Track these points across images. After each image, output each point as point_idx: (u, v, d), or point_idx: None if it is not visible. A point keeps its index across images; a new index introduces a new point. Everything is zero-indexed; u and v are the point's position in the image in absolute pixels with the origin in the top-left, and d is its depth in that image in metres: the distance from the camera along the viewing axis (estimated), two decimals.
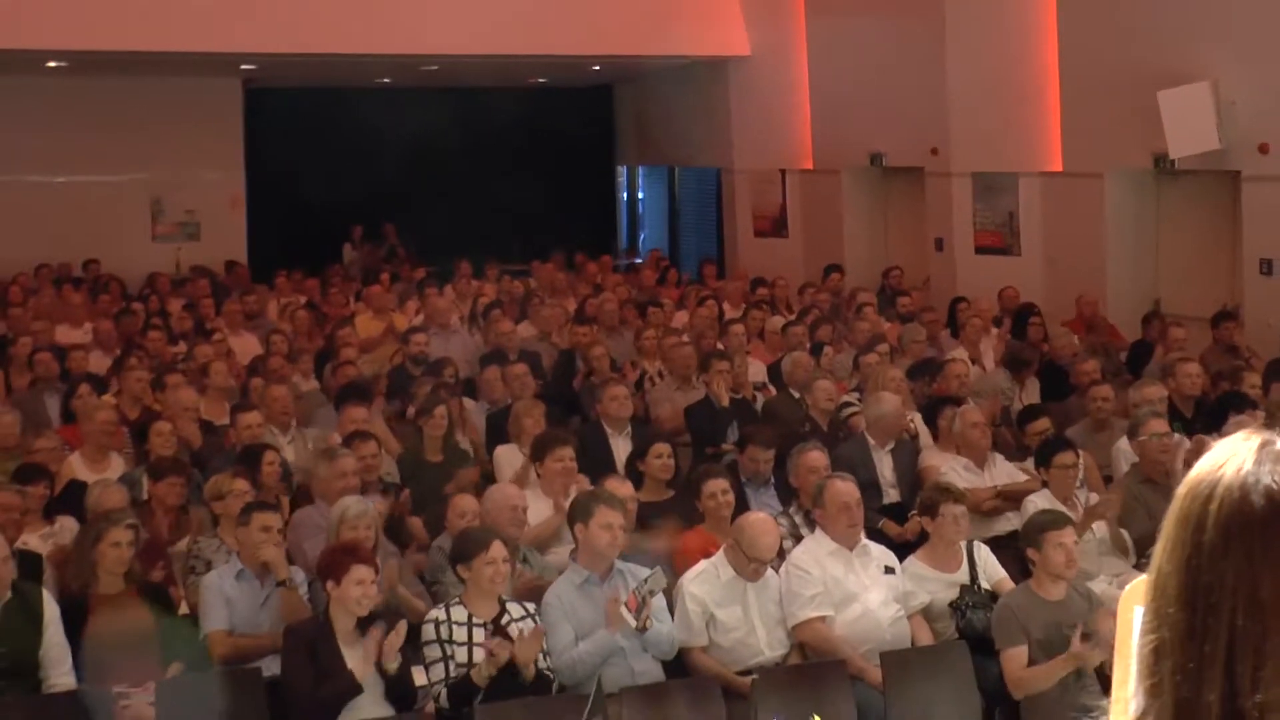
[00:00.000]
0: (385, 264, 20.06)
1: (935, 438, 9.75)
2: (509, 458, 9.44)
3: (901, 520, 8.70)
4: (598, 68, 21.44)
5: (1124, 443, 9.20)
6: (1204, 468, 1.44)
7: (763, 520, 7.17)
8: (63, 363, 12.04)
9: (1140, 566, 7.80)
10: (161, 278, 17.82)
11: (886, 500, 9.18)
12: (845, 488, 7.37)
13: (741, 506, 8.02)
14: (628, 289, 16.47)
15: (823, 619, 7.05)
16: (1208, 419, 9.71)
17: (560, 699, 6.30)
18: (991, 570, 7.50)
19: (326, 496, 7.97)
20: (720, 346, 12.18)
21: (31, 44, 16.66)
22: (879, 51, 17.31)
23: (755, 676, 6.58)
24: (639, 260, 22.10)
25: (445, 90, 22.37)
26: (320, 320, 14.92)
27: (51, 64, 18.61)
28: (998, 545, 7.93)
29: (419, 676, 6.49)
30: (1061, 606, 6.70)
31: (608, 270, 18.50)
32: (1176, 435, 9.11)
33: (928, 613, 7.33)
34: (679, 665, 6.91)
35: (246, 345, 13.67)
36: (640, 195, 24.69)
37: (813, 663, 6.88)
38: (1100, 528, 8.08)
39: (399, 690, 6.38)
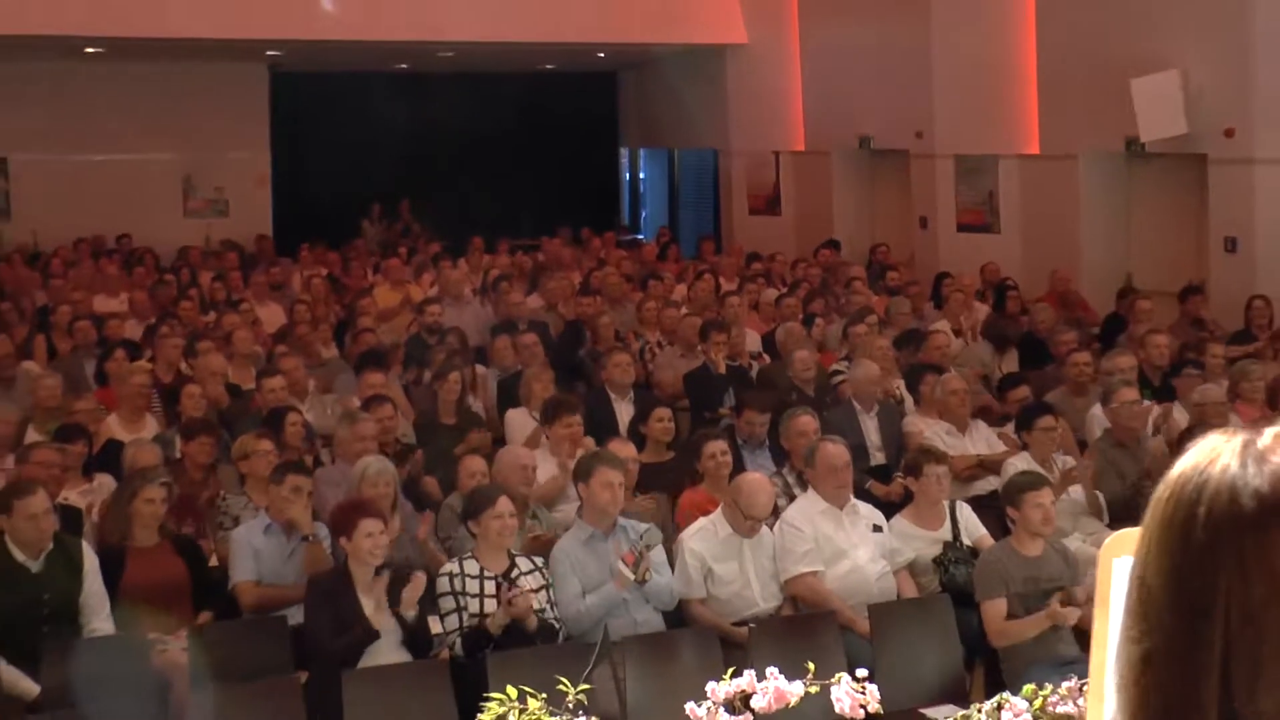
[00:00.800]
0: (401, 239, 20.00)
1: (918, 404, 9.73)
2: (519, 421, 9.42)
3: (887, 481, 8.71)
4: (602, 55, 21.35)
5: (1098, 409, 9.18)
6: (1186, 469, 1.29)
7: (758, 480, 7.14)
8: (100, 330, 12.02)
9: (1112, 525, 7.79)
10: (193, 251, 17.77)
11: (873, 462, 9.18)
12: (835, 450, 7.35)
13: (738, 467, 8.00)
14: (630, 263, 16.40)
15: (814, 573, 7.03)
16: (1175, 386, 9.76)
17: (567, 647, 6.27)
18: (973, 528, 7.48)
19: (347, 457, 7.95)
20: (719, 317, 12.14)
21: (72, 30, 16.60)
22: (868, 41, 17.25)
23: (752, 626, 6.55)
24: (640, 236, 22.04)
25: (459, 75, 22.25)
26: (340, 291, 14.88)
27: (90, 50, 18.55)
28: (979, 505, 7.91)
29: (435, 626, 6.48)
30: (1039, 562, 6.67)
31: (611, 246, 18.41)
32: (1146, 401, 9.15)
33: (913, 568, 7.31)
34: (679, 616, 6.90)
35: (272, 315, 13.65)
36: (642, 175, 24.58)
37: (805, 614, 6.85)
38: (1076, 489, 8.07)
39: (417, 638, 6.37)
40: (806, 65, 18.67)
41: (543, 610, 6.46)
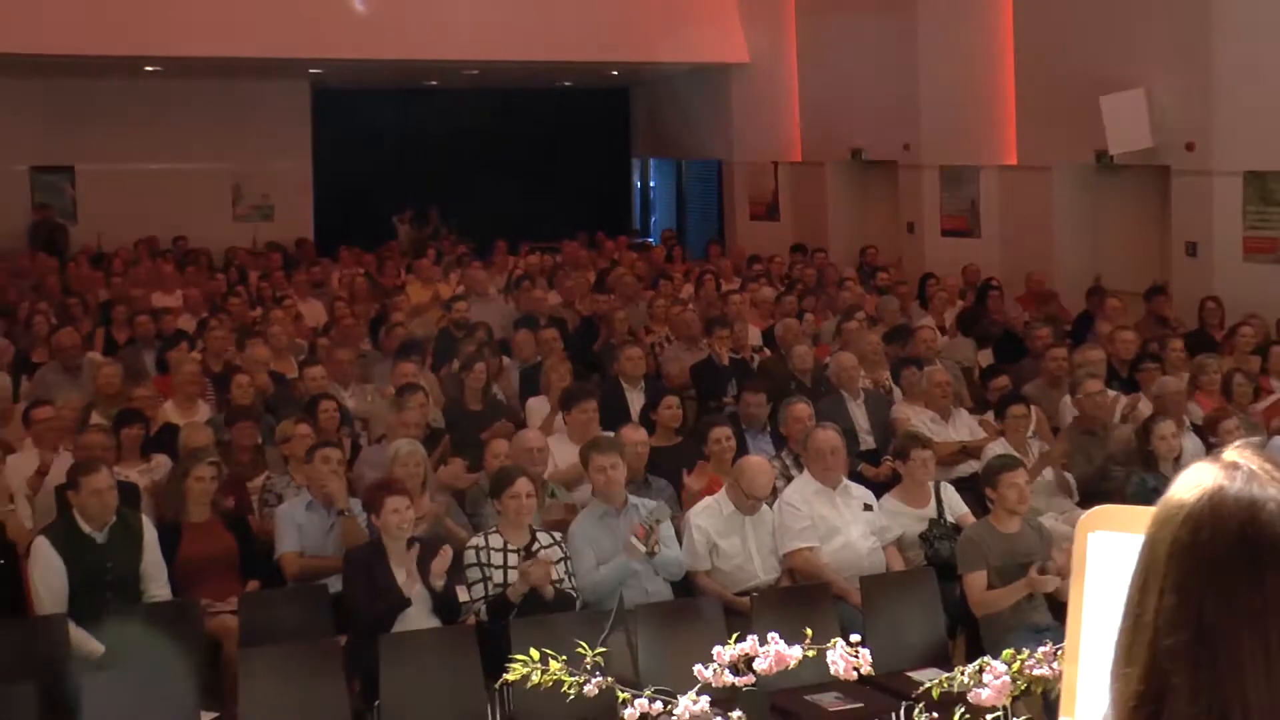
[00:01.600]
0: (431, 242, 19.98)
1: (905, 394, 9.73)
2: (539, 408, 9.42)
3: (877, 464, 8.72)
4: (616, 72, 21.33)
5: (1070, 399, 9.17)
6: (1185, 493, 1.19)
7: (759, 462, 7.14)
8: (157, 323, 12.03)
9: (1082, 504, 7.78)
10: (241, 252, 17.79)
11: (863, 447, 9.17)
12: (827, 435, 7.36)
13: (741, 450, 7.99)
14: (641, 264, 16.38)
15: (810, 549, 7.03)
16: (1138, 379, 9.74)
17: (584, 614, 6.28)
18: (956, 506, 7.48)
19: (394, 439, 7.97)
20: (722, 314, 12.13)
21: (132, 51, 16.66)
22: (860, 60, 17.23)
23: (754, 596, 6.55)
24: (650, 240, 22.01)
25: (484, 91, 22.23)
26: (376, 289, 14.88)
27: (149, 68, 18.58)
28: (961, 486, 7.91)
29: (462, 594, 6.48)
30: (1016, 538, 6.66)
31: (624, 248, 18.36)
32: (1113, 392, 9.13)
33: (900, 543, 7.31)
34: (686, 587, 6.90)
35: (313, 310, 13.65)
36: (652, 183, 24.52)
37: (802, 586, 6.85)
38: (1049, 472, 8.07)
39: (445, 606, 6.37)
40: (803, 82, 18.66)
41: (561, 581, 6.47)
